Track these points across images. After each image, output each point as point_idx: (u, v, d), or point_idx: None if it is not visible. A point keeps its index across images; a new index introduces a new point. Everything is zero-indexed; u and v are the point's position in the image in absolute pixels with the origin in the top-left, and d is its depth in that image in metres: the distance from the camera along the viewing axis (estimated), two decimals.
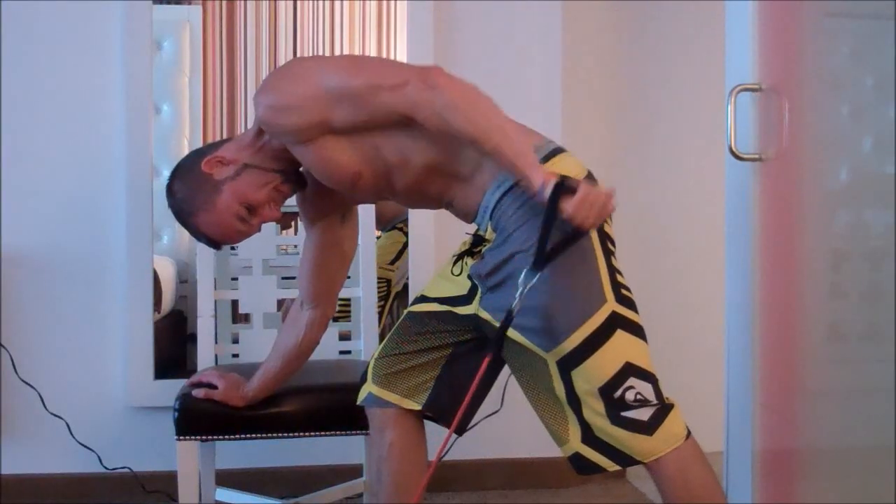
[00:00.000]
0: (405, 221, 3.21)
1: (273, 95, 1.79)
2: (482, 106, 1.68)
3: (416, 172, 1.81)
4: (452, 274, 1.88)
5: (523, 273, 1.64)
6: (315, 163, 1.84)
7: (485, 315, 1.79)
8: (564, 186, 1.60)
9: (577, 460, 1.75)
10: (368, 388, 1.93)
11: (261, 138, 1.90)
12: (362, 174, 1.82)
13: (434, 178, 1.82)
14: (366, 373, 1.95)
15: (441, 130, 1.70)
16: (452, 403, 1.89)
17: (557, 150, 1.80)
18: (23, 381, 2.77)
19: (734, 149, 1.89)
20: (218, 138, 4.01)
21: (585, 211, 1.60)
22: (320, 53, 4.10)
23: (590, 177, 1.80)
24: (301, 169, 1.94)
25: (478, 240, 1.85)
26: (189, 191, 1.91)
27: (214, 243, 1.97)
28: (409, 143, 1.78)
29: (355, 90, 1.74)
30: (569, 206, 1.60)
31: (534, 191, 1.64)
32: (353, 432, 2.21)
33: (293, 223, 3.36)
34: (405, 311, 1.97)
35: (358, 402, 1.96)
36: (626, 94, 3.29)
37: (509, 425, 2.91)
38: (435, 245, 2.93)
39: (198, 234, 1.95)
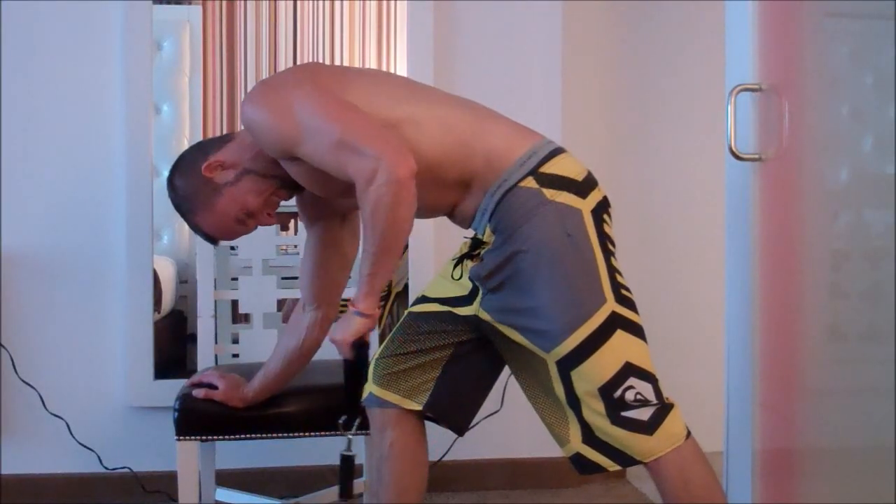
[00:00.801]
0: None
1: (253, 114, 1.81)
2: (404, 227, 1.72)
3: (417, 182, 1.80)
4: (453, 278, 1.89)
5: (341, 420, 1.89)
6: (301, 175, 1.87)
7: (485, 316, 1.79)
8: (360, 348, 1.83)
9: (579, 460, 1.76)
10: (369, 388, 1.93)
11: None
12: (350, 187, 1.81)
13: (431, 189, 1.80)
14: (366, 373, 1.95)
15: (361, 209, 1.72)
16: (453, 404, 1.89)
17: (557, 151, 1.80)
18: (23, 381, 2.77)
19: (734, 149, 1.89)
20: None
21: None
22: (320, 53, 4.10)
23: (589, 177, 1.80)
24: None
25: (476, 243, 1.85)
26: (189, 190, 1.93)
27: (212, 240, 1.99)
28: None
29: (325, 141, 1.73)
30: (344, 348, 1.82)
31: (352, 305, 1.77)
32: (353, 432, 2.21)
33: (293, 223, 3.36)
34: (406, 312, 1.97)
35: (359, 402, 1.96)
36: (626, 94, 3.29)
37: (509, 425, 2.91)
38: (434, 246, 2.93)
39: (196, 230, 1.99)
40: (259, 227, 1.99)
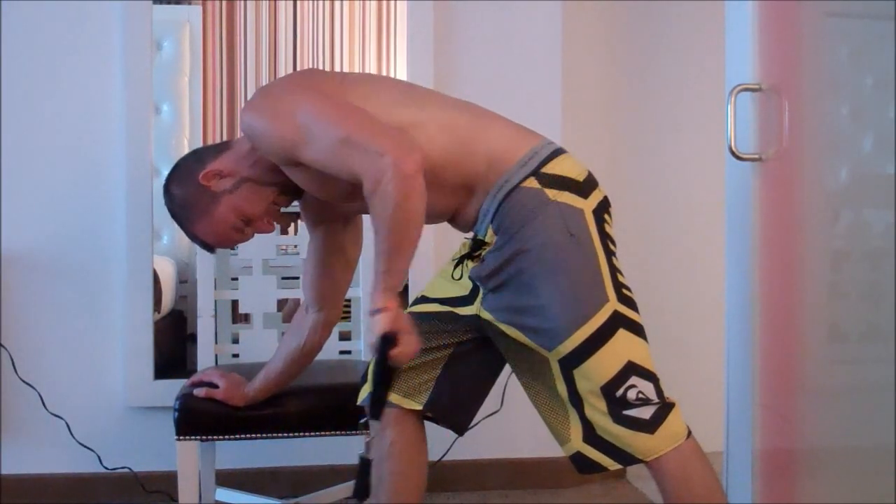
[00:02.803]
0: None
1: (254, 120, 1.79)
2: (416, 222, 1.70)
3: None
4: (453, 278, 1.89)
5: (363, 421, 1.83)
6: (304, 180, 1.86)
7: (487, 315, 1.79)
8: (389, 338, 1.69)
9: (579, 459, 1.76)
10: (369, 389, 1.93)
11: (256, 149, 1.90)
12: (355, 191, 1.81)
13: (433, 193, 1.78)
14: (366, 373, 1.95)
15: (370, 208, 1.69)
16: (453, 404, 1.89)
17: (558, 152, 1.80)
18: (23, 381, 2.77)
19: (734, 149, 1.89)
20: (218, 138, 4.03)
21: (401, 361, 1.71)
22: (320, 53, 4.10)
23: (590, 177, 1.81)
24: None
25: (477, 244, 1.85)
26: (186, 198, 1.92)
27: (209, 247, 1.99)
28: None
29: (329, 141, 1.71)
30: (393, 354, 1.69)
31: (370, 305, 1.70)
32: (353, 432, 2.21)
33: (293, 224, 3.36)
34: (405, 312, 1.97)
35: (358, 402, 1.96)
36: (626, 94, 3.29)
37: (509, 425, 2.91)
38: (433, 245, 2.93)
39: (193, 238, 1.98)
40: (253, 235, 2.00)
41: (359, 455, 1.79)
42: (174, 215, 1.96)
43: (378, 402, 1.78)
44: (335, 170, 1.74)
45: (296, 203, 2.06)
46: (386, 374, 1.76)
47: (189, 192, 1.91)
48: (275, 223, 1.97)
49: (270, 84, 1.92)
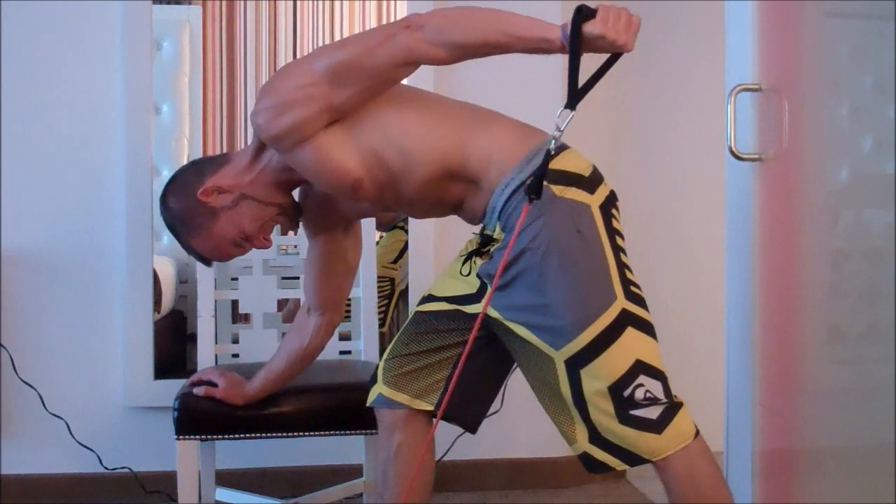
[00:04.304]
0: (406, 220, 3.21)
1: (270, 97, 1.76)
2: (469, 12, 1.67)
3: (425, 178, 1.79)
4: (461, 274, 1.88)
5: (559, 111, 1.64)
6: (314, 164, 1.81)
7: (494, 313, 1.78)
8: (583, 12, 1.56)
9: (587, 459, 1.75)
10: (378, 390, 1.93)
11: (259, 160, 1.88)
12: (363, 181, 1.80)
13: (446, 184, 1.80)
14: (375, 374, 1.95)
15: (452, 58, 1.69)
16: (463, 402, 1.89)
17: (562, 148, 1.79)
18: (23, 381, 2.77)
19: (734, 149, 1.89)
20: (218, 138, 4.02)
21: (614, 25, 1.58)
22: None
23: (595, 172, 1.80)
24: (298, 201, 1.96)
25: (486, 239, 1.84)
26: (184, 213, 1.90)
27: (206, 261, 1.98)
28: (410, 147, 1.77)
29: (349, 60, 1.71)
30: (595, 27, 1.58)
31: (558, 45, 1.63)
32: (354, 432, 2.21)
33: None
34: (413, 311, 1.96)
35: (368, 404, 1.95)
36: (626, 94, 3.29)
37: (509, 425, 2.91)
38: (435, 244, 2.93)
39: (189, 251, 1.96)
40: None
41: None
42: (171, 227, 1.95)
43: (578, 89, 1.66)
44: (383, 82, 1.74)
45: None
46: (579, 50, 1.62)
47: (187, 207, 1.90)
48: (270, 240, 1.95)
49: (267, 81, 1.89)
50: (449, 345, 1.88)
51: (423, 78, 2.88)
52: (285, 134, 1.77)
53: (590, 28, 1.62)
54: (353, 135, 1.77)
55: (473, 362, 1.87)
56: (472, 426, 1.94)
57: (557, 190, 1.72)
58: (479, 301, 1.82)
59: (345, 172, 1.79)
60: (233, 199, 1.88)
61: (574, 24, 1.58)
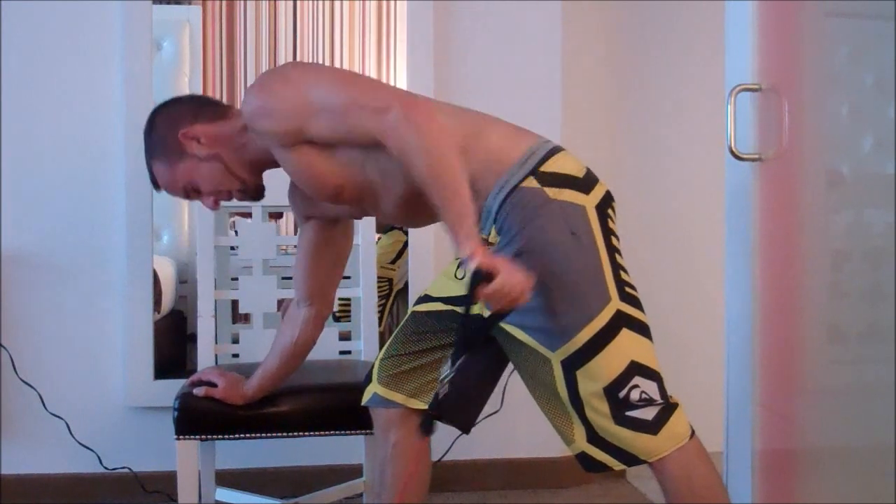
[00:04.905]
0: None
1: (261, 96, 1.80)
2: (447, 161, 1.66)
3: (406, 190, 1.80)
4: (456, 277, 1.88)
5: (450, 355, 1.71)
6: (296, 168, 1.85)
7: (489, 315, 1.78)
8: (482, 274, 1.58)
9: (584, 459, 1.76)
10: (373, 389, 1.93)
11: (244, 134, 1.90)
12: (344, 188, 1.81)
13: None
14: (370, 373, 1.95)
15: (405, 164, 1.69)
16: (459, 402, 1.89)
17: (555, 150, 1.80)
18: (23, 381, 2.77)
19: (734, 149, 1.89)
20: None
21: (498, 299, 1.58)
22: (320, 53, 4.10)
23: (589, 173, 1.80)
24: (264, 183, 1.98)
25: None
26: (161, 137, 1.93)
27: (156, 185, 2.00)
28: (391, 164, 1.77)
29: (337, 105, 1.74)
30: (485, 292, 1.58)
31: (460, 256, 1.63)
32: (353, 432, 2.21)
33: (293, 224, 3.36)
34: (409, 311, 1.97)
35: (363, 403, 1.96)
36: (626, 94, 3.29)
37: (509, 425, 2.91)
38: (434, 245, 2.93)
39: (148, 169, 1.98)
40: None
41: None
42: (145, 140, 1.98)
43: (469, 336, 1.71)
44: (348, 135, 1.75)
45: (286, 201, 2.07)
46: (486, 322, 1.67)
47: (165, 135, 1.92)
48: (218, 205, 1.96)
49: (273, 70, 1.91)
50: (444, 345, 1.89)
51: (423, 76, 2.89)
52: (264, 134, 1.82)
53: (480, 291, 1.59)
54: (338, 146, 1.80)
55: (469, 363, 1.87)
56: (466, 426, 1.95)
57: (552, 192, 1.72)
58: (475, 302, 1.83)
59: (325, 179, 1.82)
60: (206, 155, 1.91)
61: (471, 283, 1.59)
